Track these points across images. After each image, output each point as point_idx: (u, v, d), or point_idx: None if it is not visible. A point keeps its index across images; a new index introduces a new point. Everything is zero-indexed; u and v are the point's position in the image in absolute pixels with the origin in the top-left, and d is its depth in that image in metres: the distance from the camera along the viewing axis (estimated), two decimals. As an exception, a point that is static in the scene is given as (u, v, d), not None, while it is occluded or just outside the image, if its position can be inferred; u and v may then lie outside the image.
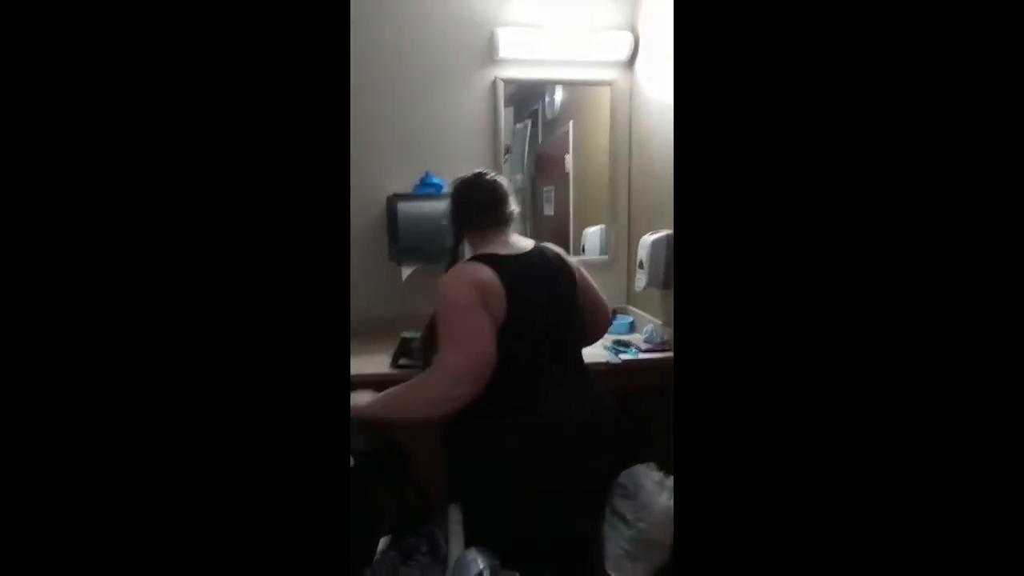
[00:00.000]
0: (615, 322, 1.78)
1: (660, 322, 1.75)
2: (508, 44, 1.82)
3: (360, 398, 1.10)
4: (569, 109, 2.05)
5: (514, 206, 1.17)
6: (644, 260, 1.62)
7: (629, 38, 1.88)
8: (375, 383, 1.15)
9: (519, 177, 2.10)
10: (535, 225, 2.12)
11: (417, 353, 1.50)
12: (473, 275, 1.04)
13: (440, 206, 1.79)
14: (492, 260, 1.07)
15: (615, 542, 1.42)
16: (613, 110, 1.98)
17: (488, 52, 1.88)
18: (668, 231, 1.61)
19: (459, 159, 1.90)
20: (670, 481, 1.44)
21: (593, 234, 2.08)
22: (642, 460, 1.50)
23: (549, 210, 2.08)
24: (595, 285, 1.26)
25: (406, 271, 1.81)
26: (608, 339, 1.64)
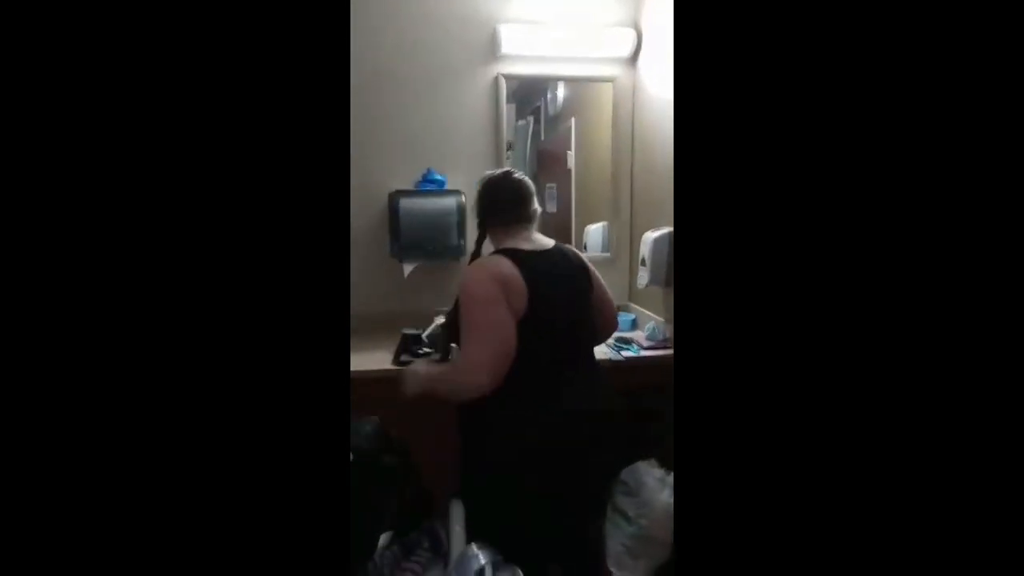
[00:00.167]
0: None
1: (662, 319, 1.75)
2: (510, 40, 1.81)
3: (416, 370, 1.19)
4: (571, 106, 2.05)
5: (537, 205, 1.20)
6: (646, 257, 1.62)
7: (631, 34, 1.88)
8: (375, 381, 1.16)
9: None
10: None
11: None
12: (495, 269, 1.06)
13: (442, 202, 1.80)
14: (514, 255, 1.09)
15: (616, 539, 1.42)
16: (615, 107, 1.98)
17: (490, 48, 1.88)
18: (670, 228, 1.61)
19: (461, 156, 1.90)
20: (671, 478, 1.44)
21: (595, 231, 2.07)
22: (644, 457, 1.50)
23: (551, 207, 2.08)
24: (605, 285, 1.28)
25: (408, 268, 1.81)
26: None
